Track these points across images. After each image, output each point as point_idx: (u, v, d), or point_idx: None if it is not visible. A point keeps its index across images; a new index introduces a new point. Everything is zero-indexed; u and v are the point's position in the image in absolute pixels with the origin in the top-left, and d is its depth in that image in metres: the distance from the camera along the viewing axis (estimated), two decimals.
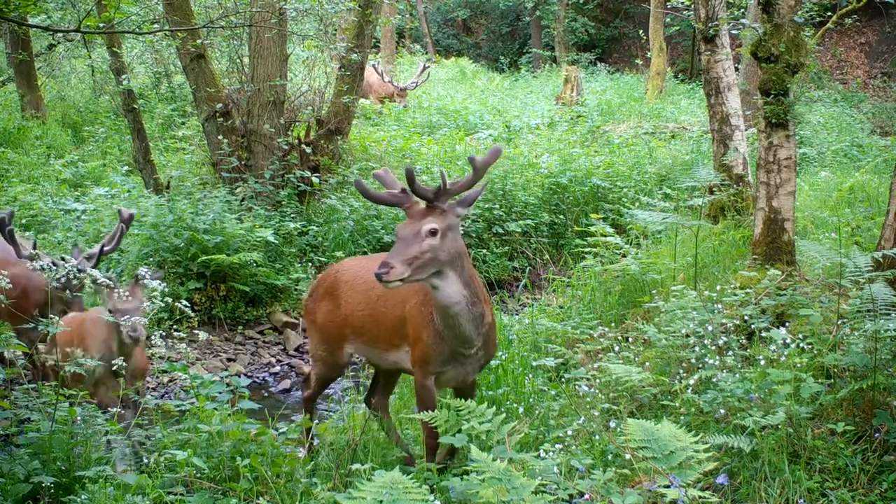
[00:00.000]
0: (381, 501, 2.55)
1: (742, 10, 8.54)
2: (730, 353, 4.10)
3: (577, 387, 4.47)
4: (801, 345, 3.90)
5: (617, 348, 4.65)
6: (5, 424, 4.25)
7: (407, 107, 15.62)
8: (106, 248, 5.52)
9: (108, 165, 11.88)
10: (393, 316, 4.23)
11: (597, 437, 3.91)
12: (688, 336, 4.35)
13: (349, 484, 3.55)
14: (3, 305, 4.34)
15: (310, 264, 8.79)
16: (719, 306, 4.54)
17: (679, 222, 5.59)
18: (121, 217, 5.58)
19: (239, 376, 5.57)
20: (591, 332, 4.94)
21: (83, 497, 3.52)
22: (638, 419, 2.97)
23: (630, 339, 5.07)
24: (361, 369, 6.70)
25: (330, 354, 4.69)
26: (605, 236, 7.16)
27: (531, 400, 4.76)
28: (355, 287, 4.49)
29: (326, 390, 7.22)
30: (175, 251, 7.94)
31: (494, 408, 3.49)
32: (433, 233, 3.66)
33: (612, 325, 5.57)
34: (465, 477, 3.09)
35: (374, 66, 16.17)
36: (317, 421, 4.97)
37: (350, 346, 4.60)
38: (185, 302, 4.67)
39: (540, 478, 3.04)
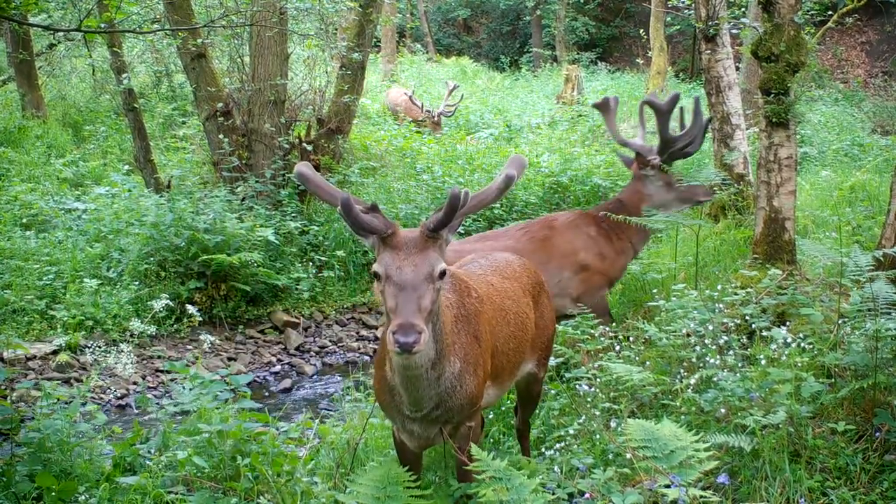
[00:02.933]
0: (379, 498, 2.55)
1: (742, 9, 8.55)
2: (730, 352, 4.09)
3: (577, 386, 4.47)
4: (802, 344, 3.89)
5: (618, 348, 4.64)
6: (8, 418, 4.24)
7: (442, 134, 14.13)
8: None
9: (109, 165, 11.89)
10: None
11: (597, 436, 3.91)
12: (688, 335, 4.34)
13: (350, 483, 3.55)
14: None
15: (310, 264, 8.79)
16: (720, 305, 4.53)
17: (680, 222, 5.58)
18: None
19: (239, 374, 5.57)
20: (592, 331, 4.93)
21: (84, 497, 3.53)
22: (638, 418, 2.97)
23: (631, 339, 5.06)
24: (360, 369, 6.70)
25: None
26: None
27: None
28: None
29: (327, 390, 7.26)
30: (176, 250, 7.94)
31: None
32: (443, 275, 2.82)
33: (613, 324, 5.56)
34: None
35: (408, 95, 15.07)
36: (317, 420, 4.97)
37: None
38: (191, 308, 4.67)
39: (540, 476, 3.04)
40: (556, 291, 5.17)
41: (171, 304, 5.93)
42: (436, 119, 14.53)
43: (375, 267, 2.78)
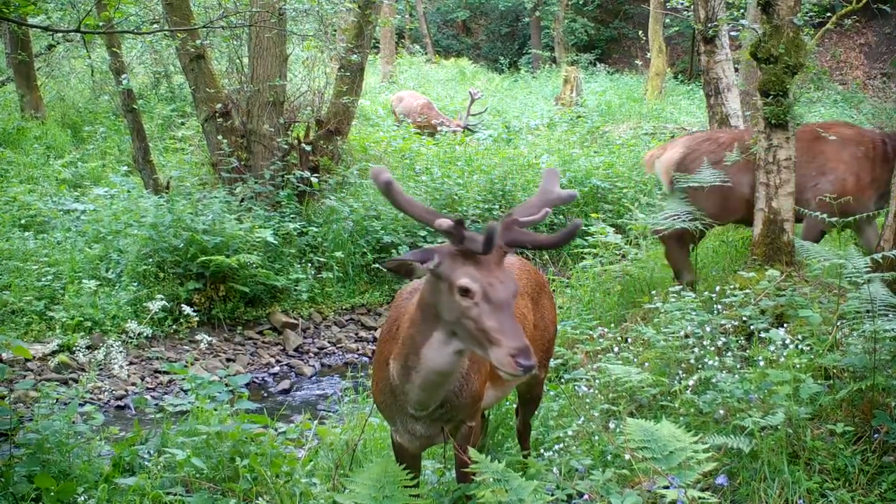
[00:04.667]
0: (377, 498, 2.55)
1: (741, 10, 8.54)
2: (729, 353, 4.10)
3: (576, 387, 4.47)
4: (800, 345, 3.89)
5: (616, 349, 4.65)
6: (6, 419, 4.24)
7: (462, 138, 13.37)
8: None
9: (108, 166, 11.89)
10: None
11: (596, 437, 3.91)
12: (687, 337, 4.34)
13: (348, 483, 3.55)
14: None
15: (309, 265, 8.79)
16: (719, 307, 4.54)
17: (679, 223, 5.59)
18: None
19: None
20: (591, 332, 4.93)
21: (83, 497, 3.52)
22: (637, 420, 2.96)
23: (629, 340, 5.07)
24: (359, 371, 6.70)
25: None
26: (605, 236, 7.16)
27: None
28: None
29: (326, 391, 7.25)
30: (174, 251, 7.93)
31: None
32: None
33: (612, 325, 5.56)
34: None
35: (428, 102, 14.57)
36: (316, 421, 4.97)
37: None
38: (188, 308, 4.67)
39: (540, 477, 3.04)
40: None
41: (168, 304, 5.94)
42: (454, 130, 13.73)
43: (465, 282, 2.61)
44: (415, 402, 3.01)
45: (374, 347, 8.50)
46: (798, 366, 3.70)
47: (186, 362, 4.71)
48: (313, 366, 8.05)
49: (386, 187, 2.74)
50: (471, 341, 2.65)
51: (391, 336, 3.12)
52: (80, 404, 4.36)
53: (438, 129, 13.92)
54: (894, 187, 4.86)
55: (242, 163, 9.57)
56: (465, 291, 2.61)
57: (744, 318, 4.49)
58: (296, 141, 9.92)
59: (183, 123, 13.71)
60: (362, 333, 8.75)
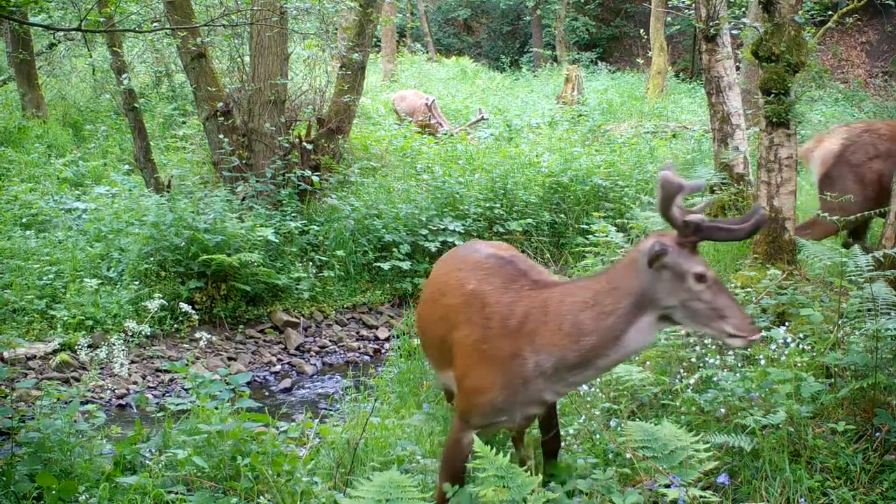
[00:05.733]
0: (380, 501, 2.54)
1: (743, 9, 8.54)
2: (730, 352, 4.10)
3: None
4: (802, 344, 3.90)
5: None
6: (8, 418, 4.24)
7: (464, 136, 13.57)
8: None
9: (109, 164, 11.89)
10: (439, 333, 3.47)
11: (597, 436, 3.91)
12: (688, 335, 4.34)
13: (349, 483, 3.55)
14: None
15: (310, 263, 8.79)
16: None
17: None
18: None
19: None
20: None
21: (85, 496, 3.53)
22: (638, 419, 2.97)
23: None
24: (360, 370, 6.70)
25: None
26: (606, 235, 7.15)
27: None
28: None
29: (327, 389, 7.25)
30: (176, 250, 7.94)
31: None
32: None
33: None
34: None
35: (428, 105, 14.49)
36: (317, 420, 4.97)
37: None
38: (187, 307, 4.66)
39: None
40: None
41: (169, 303, 5.93)
42: (449, 133, 13.89)
43: (701, 269, 2.92)
44: (577, 383, 3.23)
45: (375, 346, 8.50)
46: (799, 364, 3.70)
47: (187, 361, 4.70)
48: (314, 364, 8.05)
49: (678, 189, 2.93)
50: (696, 320, 2.96)
51: (505, 332, 3.13)
52: (81, 403, 4.36)
53: (438, 129, 14.00)
54: (894, 188, 4.85)
55: (244, 161, 9.57)
56: (701, 277, 2.92)
57: None
58: (297, 140, 9.92)
59: (184, 122, 13.71)
60: (363, 332, 8.75)
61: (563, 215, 10.16)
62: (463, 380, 3.25)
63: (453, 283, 3.41)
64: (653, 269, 2.94)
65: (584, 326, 3.02)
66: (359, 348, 8.44)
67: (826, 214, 5.59)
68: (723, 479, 2.95)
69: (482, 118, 14.83)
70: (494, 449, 2.73)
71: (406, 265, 8.93)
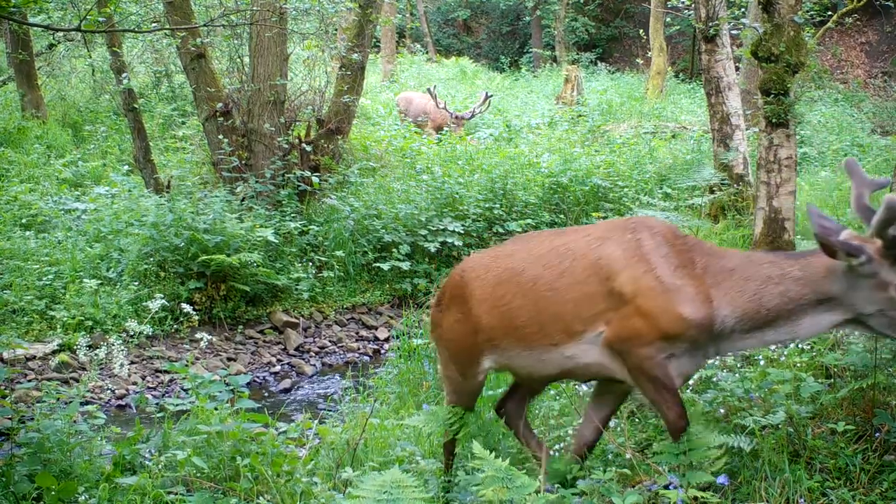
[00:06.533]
0: (381, 501, 2.54)
1: (742, 9, 8.54)
2: (730, 352, 4.09)
3: (576, 386, 4.47)
4: (801, 344, 3.89)
5: None
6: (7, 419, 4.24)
7: (463, 136, 13.54)
8: None
9: (109, 165, 11.89)
10: (578, 294, 3.24)
11: None
12: None
13: (349, 483, 3.55)
14: None
15: (310, 264, 8.79)
16: None
17: (680, 222, 5.59)
18: None
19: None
20: None
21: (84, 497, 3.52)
22: (638, 419, 2.96)
23: None
24: (360, 371, 6.70)
25: (462, 375, 3.77)
26: None
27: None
28: (498, 278, 3.51)
29: (327, 390, 7.25)
30: (175, 251, 7.94)
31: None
32: None
33: None
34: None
35: (430, 90, 14.47)
36: (317, 421, 4.97)
37: (489, 359, 3.62)
38: (187, 307, 4.66)
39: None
40: None
41: (169, 304, 5.93)
42: (456, 120, 14.02)
43: None
44: (736, 350, 3.31)
45: (374, 346, 8.50)
46: (799, 365, 3.70)
47: (187, 361, 4.70)
48: (314, 365, 8.05)
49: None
50: (890, 326, 3.01)
51: (693, 274, 3.13)
52: (81, 403, 4.36)
53: (450, 124, 13.96)
54: (894, 187, 4.85)
55: (243, 162, 9.57)
56: None
57: None
58: (296, 140, 9.92)
59: (184, 123, 13.71)
60: (363, 333, 8.75)
61: (562, 216, 10.17)
62: (651, 307, 3.12)
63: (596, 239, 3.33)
64: (853, 276, 2.98)
65: (765, 301, 3.08)
66: (358, 349, 8.44)
67: None
68: (722, 479, 2.95)
69: (488, 98, 14.73)
70: (493, 451, 2.73)
71: (406, 265, 8.93)
